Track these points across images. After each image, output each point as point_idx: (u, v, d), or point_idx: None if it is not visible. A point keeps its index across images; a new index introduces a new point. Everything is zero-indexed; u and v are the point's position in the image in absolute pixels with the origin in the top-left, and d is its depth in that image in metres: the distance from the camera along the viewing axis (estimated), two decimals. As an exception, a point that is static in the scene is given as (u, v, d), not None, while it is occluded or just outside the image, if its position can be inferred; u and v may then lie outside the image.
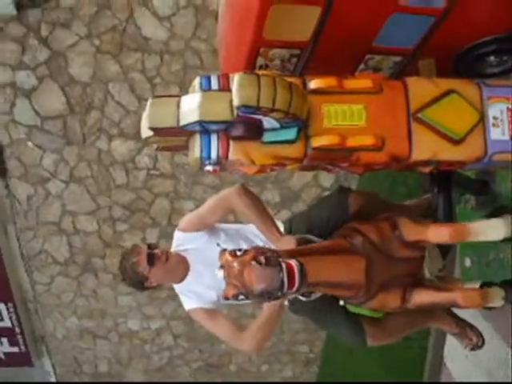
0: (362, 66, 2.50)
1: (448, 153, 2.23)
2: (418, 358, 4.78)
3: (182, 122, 2.03)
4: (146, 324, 7.61)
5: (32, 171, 6.27)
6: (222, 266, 2.07)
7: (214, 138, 2.06)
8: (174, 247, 2.87)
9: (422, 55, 2.46)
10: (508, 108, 2.28)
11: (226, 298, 2.06)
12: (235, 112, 1.99)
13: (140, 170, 6.21)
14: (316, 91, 2.15)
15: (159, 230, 6.55)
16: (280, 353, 8.05)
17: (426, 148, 2.21)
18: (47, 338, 7.78)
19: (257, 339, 2.71)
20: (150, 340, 7.83)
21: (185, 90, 2.24)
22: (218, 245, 2.66)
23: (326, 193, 5.91)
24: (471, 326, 2.93)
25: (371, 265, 2.26)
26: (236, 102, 1.92)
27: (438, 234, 2.33)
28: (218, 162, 2.11)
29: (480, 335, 2.91)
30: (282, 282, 1.98)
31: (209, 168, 2.14)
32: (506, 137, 2.27)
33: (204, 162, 2.10)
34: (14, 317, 7.28)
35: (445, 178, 2.75)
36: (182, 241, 2.85)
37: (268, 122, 2.02)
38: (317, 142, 2.09)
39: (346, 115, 2.15)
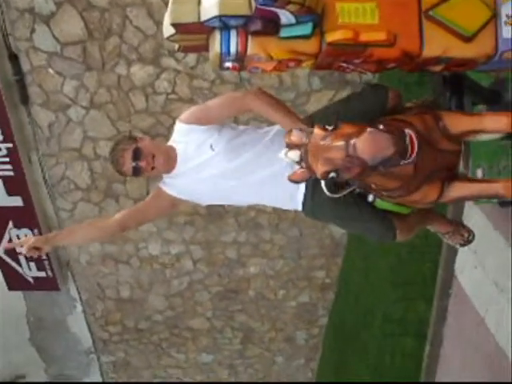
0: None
1: (458, 49, 2.31)
2: (429, 272, 4.94)
3: (203, 18, 2.14)
4: (166, 249, 7.81)
5: (53, 98, 6.37)
6: (292, 146, 2.03)
7: (233, 34, 2.17)
8: (171, 140, 2.81)
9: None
10: (522, 6, 2.34)
11: (300, 180, 2.07)
12: (253, 6, 2.08)
13: (159, 95, 6.29)
14: (331, -11, 2.23)
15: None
16: (297, 278, 8.24)
17: (436, 44, 2.29)
18: (72, 264, 8.04)
19: None
20: (169, 265, 8.03)
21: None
22: (211, 147, 2.67)
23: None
24: (463, 224, 3.04)
25: (419, 155, 2.18)
26: (254, -7, 2.01)
27: (495, 120, 2.37)
28: (237, 58, 2.22)
29: (471, 231, 2.99)
30: (406, 148, 1.96)
31: (228, 64, 2.26)
32: (518, 34, 2.34)
33: (224, 57, 2.22)
34: (40, 243, 7.49)
35: (457, 81, 2.83)
36: (180, 132, 2.76)
37: (285, 16, 2.11)
38: (331, 36, 2.18)
39: (359, 12, 2.23)
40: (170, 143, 2.80)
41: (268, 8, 2.06)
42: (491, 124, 2.38)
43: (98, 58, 6.07)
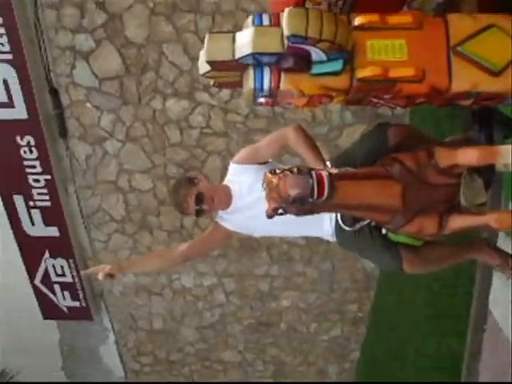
0: (405, 8, 2.63)
1: (487, 84, 2.35)
2: (463, 305, 4.89)
3: (237, 55, 2.22)
4: (199, 281, 7.88)
5: (90, 131, 6.57)
6: (264, 187, 2.29)
7: (266, 70, 2.25)
8: (226, 180, 3.07)
9: (463, -4, 2.57)
10: (548, 41, 2.38)
11: (269, 215, 2.28)
12: (285, 44, 2.16)
13: (193, 129, 6.44)
14: (360, 27, 2.30)
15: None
16: (329, 312, 8.22)
17: (465, 80, 2.34)
18: (105, 294, 8.15)
19: None
20: (202, 297, 8.10)
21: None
22: (262, 185, 2.89)
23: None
24: None
25: (408, 190, 2.42)
26: (286, 32, 2.10)
27: (465, 155, 2.46)
28: (270, 94, 2.30)
29: None
30: (313, 188, 2.19)
31: (261, 100, 2.34)
32: (546, 69, 2.38)
33: (257, 93, 2.30)
34: (74, 273, 7.65)
35: (486, 115, 2.87)
36: (233, 173, 3.04)
37: (316, 53, 2.19)
38: (361, 73, 2.25)
39: (388, 49, 2.30)
40: (224, 183, 3.07)
41: (299, 46, 2.14)
42: (462, 158, 2.47)
43: (135, 93, 6.26)
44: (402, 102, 2.45)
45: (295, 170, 2.23)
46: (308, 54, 2.20)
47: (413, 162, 2.47)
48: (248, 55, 2.19)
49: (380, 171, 2.46)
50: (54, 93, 6.27)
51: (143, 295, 8.13)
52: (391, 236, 2.73)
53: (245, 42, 2.20)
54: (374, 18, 2.30)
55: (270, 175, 2.27)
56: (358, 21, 2.30)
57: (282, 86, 2.25)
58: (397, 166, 2.45)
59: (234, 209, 3.00)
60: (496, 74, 2.34)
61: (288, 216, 2.83)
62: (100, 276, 3.05)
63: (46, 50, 6.01)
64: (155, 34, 5.93)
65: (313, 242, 7.21)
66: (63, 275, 7.68)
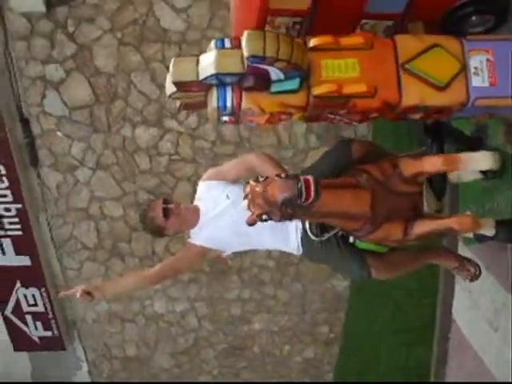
0: (357, 31, 2.84)
1: (434, 98, 2.57)
2: (428, 315, 5.06)
3: (201, 76, 2.40)
4: (171, 306, 7.91)
5: (61, 160, 6.63)
6: (246, 196, 2.44)
7: (228, 90, 2.44)
8: (195, 199, 3.23)
9: (410, 19, 2.78)
10: (487, 59, 2.62)
11: (252, 223, 2.42)
12: (246, 65, 2.34)
13: (162, 156, 6.55)
14: (315, 48, 2.51)
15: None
16: (302, 333, 8.30)
17: (414, 94, 2.56)
18: (78, 323, 8.13)
19: None
20: (175, 322, 8.10)
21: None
22: (227, 196, 3.09)
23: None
24: (469, 259, 3.19)
25: (376, 198, 2.62)
26: (246, 53, 2.29)
27: (431, 162, 2.69)
28: (232, 112, 2.47)
29: (477, 266, 3.15)
30: (301, 190, 2.34)
31: (225, 118, 2.52)
32: (486, 84, 2.61)
33: (221, 111, 2.47)
34: (47, 302, 7.62)
35: (437, 129, 3.08)
36: (201, 190, 3.22)
37: (274, 72, 2.37)
38: (317, 90, 2.45)
39: (341, 68, 2.51)
40: (194, 203, 3.21)
41: (259, 65, 2.32)
42: (428, 165, 2.70)
43: (104, 121, 6.37)
44: (357, 116, 2.64)
45: (283, 175, 2.41)
46: (267, 74, 2.39)
47: (379, 172, 2.67)
48: (211, 75, 2.37)
49: (351, 181, 2.64)
50: (25, 122, 6.36)
51: (116, 322, 8.11)
52: (359, 244, 2.88)
53: (208, 63, 2.38)
54: (328, 39, 2.51)
55: (253, 183, 2.42)
56: (313, 42, 2.50)
57: (244, 104, 2.43)
58: (365, 176, 2.64)
59: (202, 224, 3.13)
60: (441, 88, 2.56)
61: (260, 227, 2.98)
62: (78, 294, 3.03)
63: (16, 81, 6.12)
64: (124, 63, 6.07)
65: (283, 264, 7.34)
66: (35, 305, 7.63)
